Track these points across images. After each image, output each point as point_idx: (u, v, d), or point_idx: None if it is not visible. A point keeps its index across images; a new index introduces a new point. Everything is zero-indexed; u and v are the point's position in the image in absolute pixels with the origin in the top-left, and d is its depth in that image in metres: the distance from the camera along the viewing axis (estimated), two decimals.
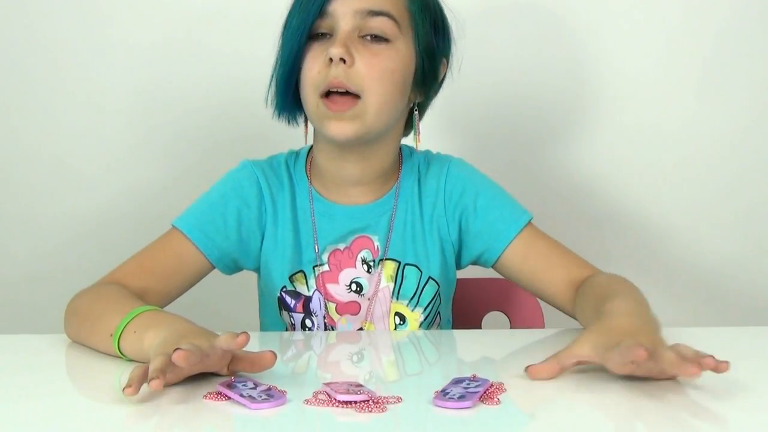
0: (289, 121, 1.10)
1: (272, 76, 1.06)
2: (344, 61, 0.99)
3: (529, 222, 1.10)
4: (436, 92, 1.12)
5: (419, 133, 1.10)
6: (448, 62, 1.10)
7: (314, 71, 1.01)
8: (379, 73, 1.00)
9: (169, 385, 0.76)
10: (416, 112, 1.10)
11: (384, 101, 1.02)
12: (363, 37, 1.01)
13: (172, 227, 1.08)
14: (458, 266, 1.15)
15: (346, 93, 1.00)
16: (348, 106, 1.00)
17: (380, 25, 1.01)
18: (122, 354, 0.87)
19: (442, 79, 1.12)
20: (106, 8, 1.57)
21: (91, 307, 0.96)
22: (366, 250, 1.10)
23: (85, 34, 1.58)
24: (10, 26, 1.58)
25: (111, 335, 0.87)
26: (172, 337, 0.80)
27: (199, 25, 1.57)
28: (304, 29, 1.01)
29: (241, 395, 0.72)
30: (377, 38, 1.01)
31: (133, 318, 0.87)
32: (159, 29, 1.58)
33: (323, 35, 1.02)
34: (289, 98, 1.06)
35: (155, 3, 1.57)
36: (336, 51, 0.99)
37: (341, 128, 1.01)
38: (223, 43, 1.57)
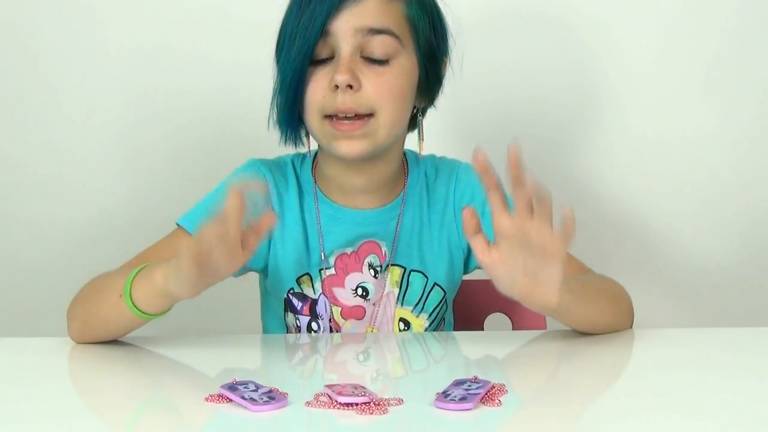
0: (296, 145, 1.08)
1: (273, 102, 1.05)
2: (351, 87, 0.98)
3: None
4: (439, 92, 1.11)
5: (423, 139, 1.09)
6: (449, 60, 1.09)
7: (318, 95, 1.00)
8: (388, 92, 0.99)
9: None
10: (420, 117, 1.09)
11: (395, 118, 1.01)
12: (366, 56, 0.99)
13: (177, 226, 1.07)
14: (466, 270, 1.15)
15: (355, 116, 0.99)
16: (357, 126, 0.99)
17: (382, 44, 0.99)
18: (136, 308, 0.91)
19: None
20: (105, 12, 1.57)
21: (93, 289, 0.99)
22: (373, 255, 1.10)
23: (85, 38, 1.57)
24: (9, 32, 1.58)
25: (121, 296, 0.91)
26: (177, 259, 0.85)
27: (200, 28, 1.57)
28: (307, 53, 0.99)
29: (243, 397, 0.73)
30: (380, 57, 0.99)
31: (137, 274, 0.92)
32: (159, 33, 1.58)
33: (324, 57, 1.00)
34: (294, 123, 1.05)
35: (154, 6, 1.57)
36: (342, 78, 0.97)
37: (351, 147, 1.00)
38: (224, 46, 1.57)
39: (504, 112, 1.60)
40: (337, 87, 0.98)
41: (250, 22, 1.54)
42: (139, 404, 0.77)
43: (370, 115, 0.99)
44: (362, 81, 0.98)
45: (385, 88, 0.99)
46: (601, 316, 0.99)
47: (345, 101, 0.98)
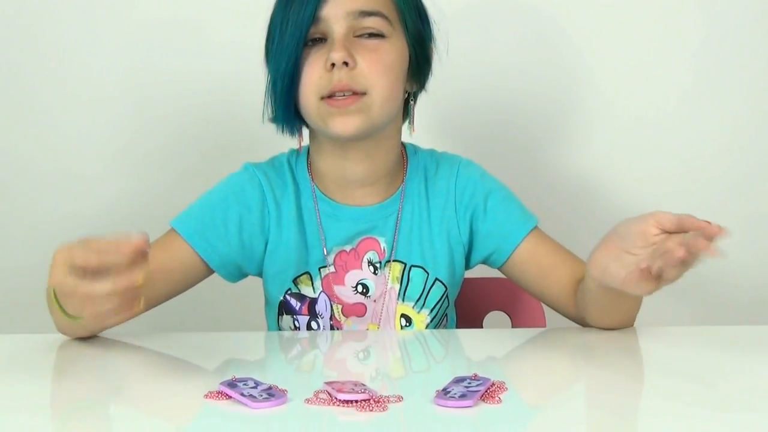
0: (293, 133, 1.09)
1: (268, 91, 1.05)
2: (347, 64, 0.99)
3: (536, 225, 1.11)
4: (429, 75, 1.12)
5: (413, 122, 1.10)
6: (435, 46, 1.11)
7: (315, 76, 1.01)
8: (381, 68, 1.01)
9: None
10: (412, 102, 1.11)
11: (388, 95, 1.02)
12: (358, 36, 1.02)
13: (171, 228, 1.07)
14: (467, 266, 1.15)
15: (351, 93, 1.00)
16: (351, 101, 1.00)
17: (374, 23, 1.02)
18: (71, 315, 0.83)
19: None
20: (103, 8, 1.57)
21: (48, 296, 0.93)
22: (372, 252, 1.10)
23: (80, 31, 1.57)
24: (7, 27, 1.57)
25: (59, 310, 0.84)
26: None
27: (199, 16, 1.57)
28: (300, 37, 1.01)
29: (242, 394, 0.73)
30: (372, 35, 1.02)
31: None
32: (157, 22, 1.57)
33: (317, 40, 1.02)
34: (291, 110, 1.05)
35: (153, 2, 1.57)
36: (338, 55, 0.99)
37: (345, 123, 1.01)
38: (224, 36, 1.56)
39: (498, 110, 1.60)
40: (332, 66, 0.99)
41: (252, 10, 1.53)
42: (138, 401, 0.77)
43: (365, 93, 1.01)
44: (357, 59, 1.00)
45: (379, 64, 1.01)
46: (618, 304, 1.00)
47: (341, 78, 0.99)
